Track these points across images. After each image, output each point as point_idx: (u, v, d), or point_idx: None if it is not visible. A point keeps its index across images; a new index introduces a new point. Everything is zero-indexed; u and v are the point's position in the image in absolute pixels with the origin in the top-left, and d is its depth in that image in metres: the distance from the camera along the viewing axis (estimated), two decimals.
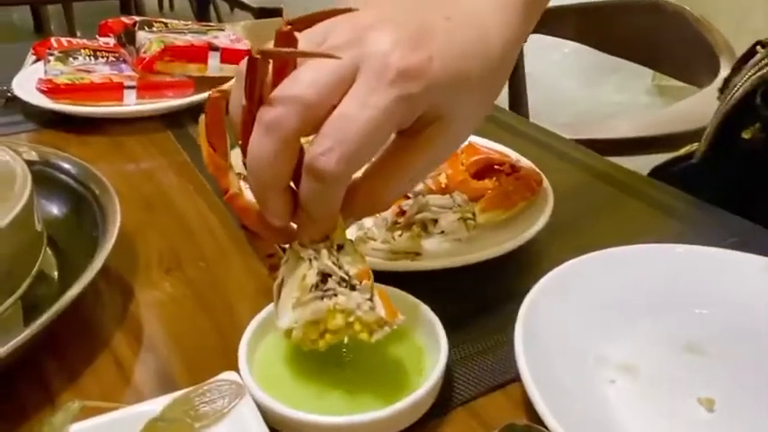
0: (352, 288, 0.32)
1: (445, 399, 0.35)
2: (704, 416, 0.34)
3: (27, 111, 0.70)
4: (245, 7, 1.46)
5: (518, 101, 1.29)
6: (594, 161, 0.63)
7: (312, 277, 0.32)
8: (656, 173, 0.64)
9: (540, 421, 0.30)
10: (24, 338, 0.34)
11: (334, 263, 0.32)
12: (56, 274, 0.43)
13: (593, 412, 0.33)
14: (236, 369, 0.33)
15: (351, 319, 0.31)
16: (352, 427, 0.31)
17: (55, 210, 0.47)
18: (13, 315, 0.39)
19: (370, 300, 0.31)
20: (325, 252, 0.32)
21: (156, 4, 3.98)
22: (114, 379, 0.37)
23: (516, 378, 0.36)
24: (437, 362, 0.33)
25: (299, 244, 0.33)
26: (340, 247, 0.33)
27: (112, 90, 0.68)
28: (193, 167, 0.60)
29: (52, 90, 0.66)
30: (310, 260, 0.32)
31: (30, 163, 0.45)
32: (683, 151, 0.63)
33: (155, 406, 0.31)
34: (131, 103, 0.69)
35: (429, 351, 0.36)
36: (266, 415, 0.31)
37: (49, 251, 0.45)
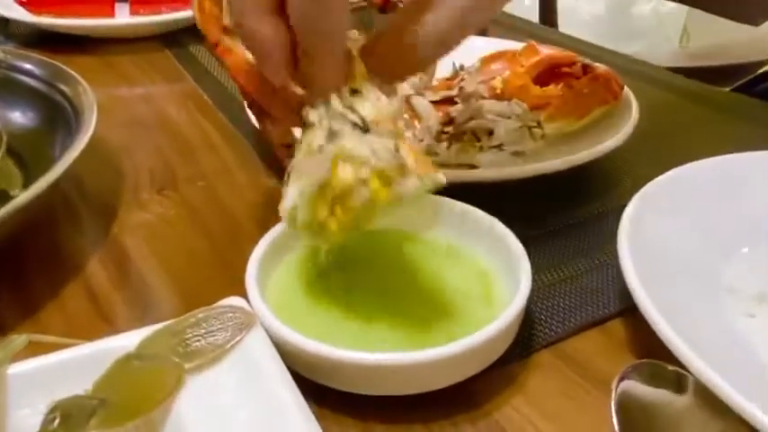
0: (366, 131, 0.22)
1: (525, 337, 0.26)
2: None
3: (5, 28, 0.62)
4: None
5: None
6: (670, 78, 0.53)
7: (320, 138, 0.22)
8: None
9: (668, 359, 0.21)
10: None
11: (346, 107, 0.23)
12: (19, 185, 0.34)
13: (734, 350, 0.24)
14: (244, 296, 0.24)
15: (364, 172, 0.22)
16: (401, 368, 0.22)
17: (19, 118, 0.38)
18: None
19: (396, 150, 0.22)
20: (335, 102, 0.23)
21: None
22: (85, 312, 0.28)
23: (616, 313, 0.27)
24: (517, 290, 0.24)
25: (309, 107, 0.24)
26: (355, 92, 0.23)
27: (102, 3, 0.59)
28: (200, 91, 0.51)
29: (33, 2, 0.57)
30: (320, 121, 0.23)
31: None
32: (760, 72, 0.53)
33: (128, 340, 0.22)
34: (124, 19, 0.59)
35: (502, 277, 0.26)
36: (284, 352, 0.22)
37: (13, 166, 0.36)
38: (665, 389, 0.21)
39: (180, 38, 0.60)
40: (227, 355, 0.22)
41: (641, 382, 0.20)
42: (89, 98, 0.36)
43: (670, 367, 0.21)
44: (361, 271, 0.27)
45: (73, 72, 0.39)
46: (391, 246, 0.29)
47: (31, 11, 0.58)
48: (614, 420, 0.19)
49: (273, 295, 0.25)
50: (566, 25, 0.90)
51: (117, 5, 0.59)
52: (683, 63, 0.84)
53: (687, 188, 0.30)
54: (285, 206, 0.23)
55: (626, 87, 0.41)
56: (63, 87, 0.38)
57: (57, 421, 0.19)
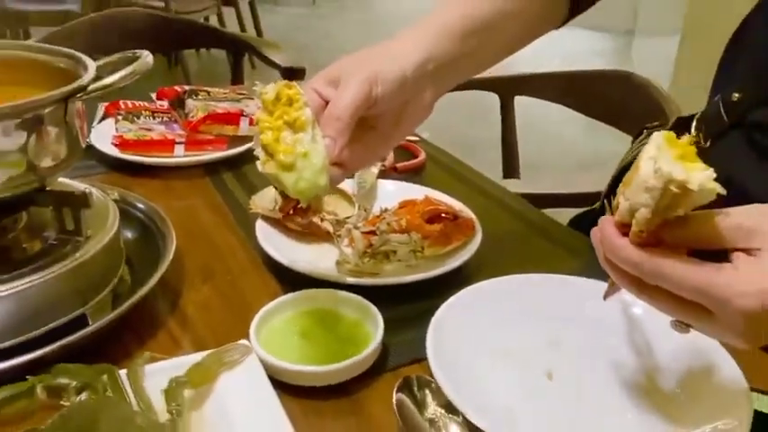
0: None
1: (377, 365, 0.53)
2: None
3: (99, 157, 0.91)
4: (274, 65, 1.67)
5: (510, 151, 1.48)
6: (525, 209, 0.82)
7: None
8: (577, 221, 0.83)
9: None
10: (111, 319, 0.54)
11: None
12: (129, 279, 0.63)
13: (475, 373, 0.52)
14: (248, 338, 0.52)
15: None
16: (314, 373, 0.50)
17: (129, 234, 0.67)
18: (104, 304, 0.58)
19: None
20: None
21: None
22: (170, 346, 0.56)
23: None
24: (374, 332, 0.52)
25: None
26: None
27: (166, 144, 0.90)
28: (224, 206, 0.80)
29: (122, 144, 0.88)
30: None
31: (114, 201, 0.65)
32: (596, 205, 0.81)
33: (196, 357, 0.50)
34: (180, 155, 0.90)
35: (373, 335, 0.54)
36: (266, 366, 0.50)
37: (125, 265, 0.65)
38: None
39: (216, 168, 0.90)
40: (238, 365, 0.50)
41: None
42: (169, 227, 0.65)
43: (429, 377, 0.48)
44: (311, 328, 0.55)
45: (160, 210, 0.68)
46: (325, 319, 0.57)
47: (120, 150, 0.88)
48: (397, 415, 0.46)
49: (262, 338, 0.53)
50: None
51: (176, 146, 0.89)
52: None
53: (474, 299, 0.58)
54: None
55: (477, 227, 0.70)
56: (155, 218, 0.67)
57: None
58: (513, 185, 1.08)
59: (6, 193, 0.53)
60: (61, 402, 0.44)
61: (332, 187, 0.52)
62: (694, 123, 0.67)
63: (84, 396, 0.44)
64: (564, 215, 0.87)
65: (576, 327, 0.57)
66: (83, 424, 0.41)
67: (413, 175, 0.89)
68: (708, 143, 0.63)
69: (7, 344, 0.50)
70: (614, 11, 4.39)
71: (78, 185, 0.61)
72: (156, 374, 0.48)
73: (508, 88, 1.48)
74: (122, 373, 0.47)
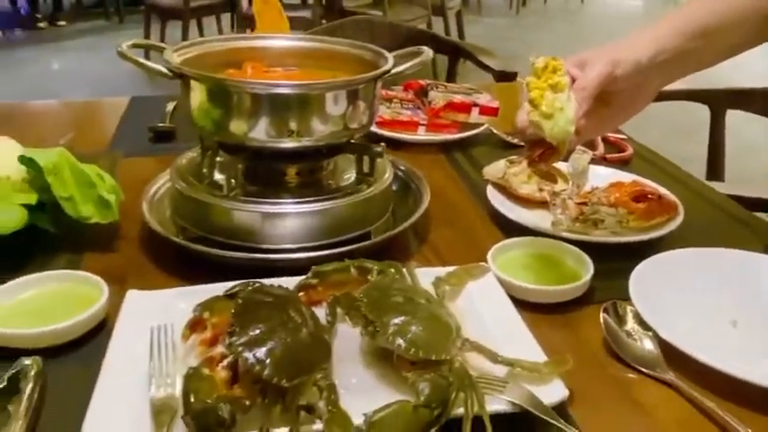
0: None
1: (585, 297, 0.68)
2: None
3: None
4: (487, 69, 1.85)
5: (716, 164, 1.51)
6: (729, 205, 0.90)
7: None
8: None
9: None
10: (384, 237, 0.75)
11: None
12: (392, 217, 0.84)
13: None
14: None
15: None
16: (539, 291, 0.66)
17: (394, 186, 0.89)
18: (380, 228, 0.80)
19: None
20: None
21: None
22: (424, 265, 0.76)
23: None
24: (586, 271, 0.67)
25: None
26: None
27: (412, 125, 1.12)
28: (457, 177, 1.00)
29: (382, 123, 1.11)
30: None
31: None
32: None
33: (450, 269, 0.69)
34: (422, 135, 1.11)
35: (584, 274, 0.69)
36: (500, 282, 0.67)
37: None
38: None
39: (449, 147, 1.10)
40: (479, 280, 0.68)
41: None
42: (424, 184, 0.86)
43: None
44: (532, 264, 0.72)
45: (415, 168, 0.89)
46: (545, 259, 0.73)
47: (379, 127, 1.12)
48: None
49: (497, 265, 0.71)
50: None
51: (419, 127, 1.11)
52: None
53: (670, 263, 0.70)
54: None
55: (680, 208, 0.81)
56: (411, 175, 0.88)
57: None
58: (718, 186, 1.12)
59: (329, 141, 0.76)
60: (368, 278, 0.65)
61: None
62: None
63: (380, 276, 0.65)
64: None
65: (763, 295, 0.67)
66: (382, 289, 0.61)
67: (620, 166, 1.01)
68: None
69: (324, 242, 0.73)
70: None
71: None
72: (423, 275, 0.68)
73: (721, 101, 1.51)
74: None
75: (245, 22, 4.12)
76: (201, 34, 4.58)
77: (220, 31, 4.84)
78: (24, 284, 0.64)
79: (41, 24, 5.63)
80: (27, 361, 0.55)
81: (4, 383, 0.53)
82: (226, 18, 4.83)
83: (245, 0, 4.23)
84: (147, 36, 4.39)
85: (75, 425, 0.48)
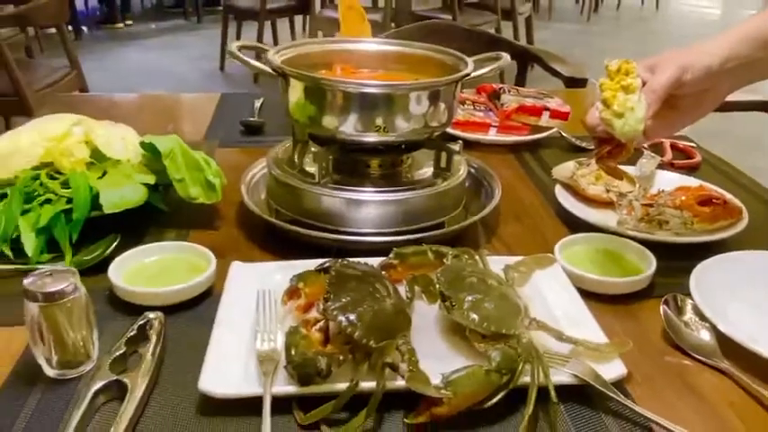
0: None
1: (647, 291, 0.72)
2: None
3: None
4: (557, 74, 1.88)
5: None
6: None
7: None
8: None
9: None
10: (457, 228, 0.82)
11: None
12: (464, 211, 0.91)
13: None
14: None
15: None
16: (604, 282, 0.71)
17: (467, 182, 0.95)
18: (453, 219, 0.86)
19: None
20: None
21: None
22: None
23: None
24: (649, 267, 0.72)
25: None
26: None
27: (484, 126, 1.18)
28: (526, 177, 1.05)
29: (456, 123, 1.18)
30: None
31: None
32: None
33: (518, 258, 0.75)
34: (493, 136, 1.17)
35: (647, 269, 0.73)
36: (566, 272, 0.72)
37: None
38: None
39: (519, 148, 1.15)
40: (546, 270, 0.73)
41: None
42: (496, 181, 0.92)
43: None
44: (597, 258, 0.77)
45: (488, 167, 0.95)
46: (610, 254, 0.78)
47: (453, 127, 1.18)
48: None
49: (564, 257, 0.76)
50: None
51: (491, 129, 1.17)
52: None
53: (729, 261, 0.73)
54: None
55: (744, 213, 0.83)
56: (484, 173, 0.94)
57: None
58: None
59: (411, 137, 0.83)
60: (443, 261, 0.71)
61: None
62: None
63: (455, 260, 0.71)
64: None
65: None
66: (457, 271, 0.67)
67: (688, 172, 1.04)
68: None
69: (401, 228, 0.80)
70: None
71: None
72: (494, 263, 0.74)
73: None
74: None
75: (318, 24, 4.26)
76: (275, 35, 4.75)
77: (293, 33, 5.00)
78: (147, 251, 0.74)
79: (128, 23, 5.97)
80: (151, 315, 0.64)
81: (134, 332, 0.62)
82: (299, 20, 4.99)
83: (319, 3, 4.38)
84: (224, 35, 4.59)
85: (193, 369, 0.57)
